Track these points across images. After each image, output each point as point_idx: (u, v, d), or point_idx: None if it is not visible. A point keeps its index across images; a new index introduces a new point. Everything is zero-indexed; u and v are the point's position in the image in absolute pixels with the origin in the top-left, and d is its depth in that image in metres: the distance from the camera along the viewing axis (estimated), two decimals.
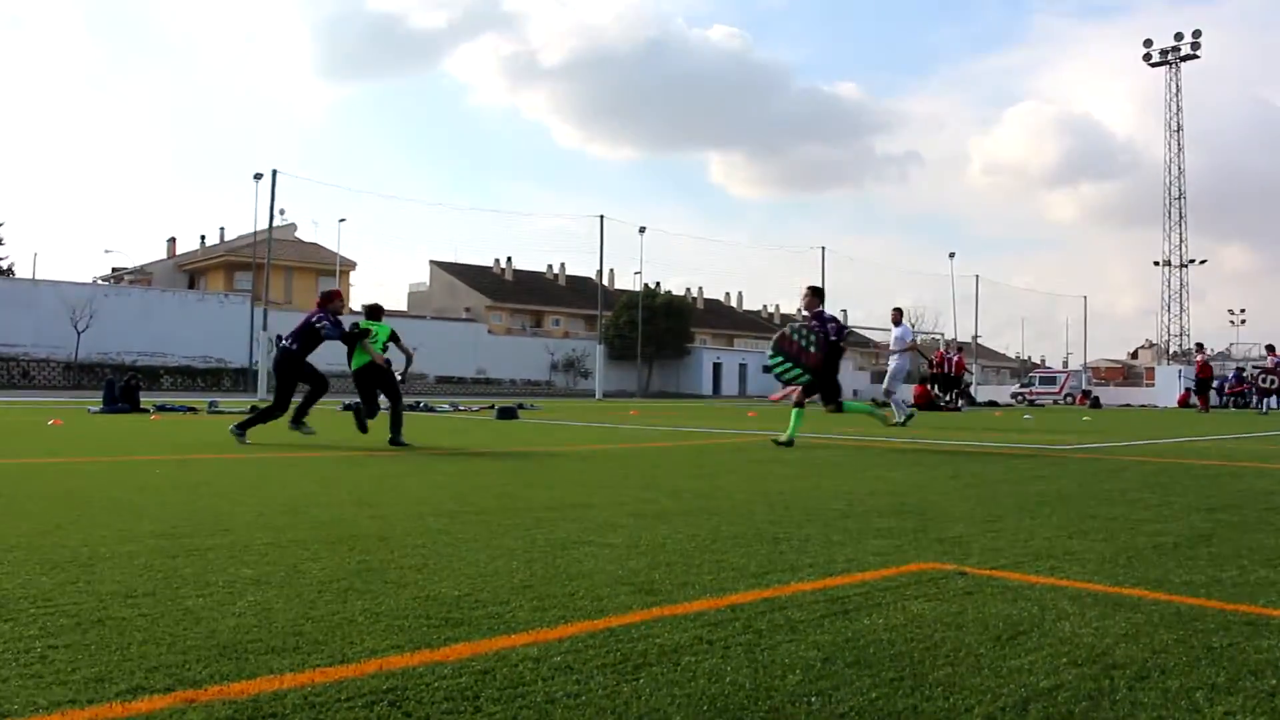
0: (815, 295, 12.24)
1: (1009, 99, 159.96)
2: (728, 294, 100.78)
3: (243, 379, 49.03)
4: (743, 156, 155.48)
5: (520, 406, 23.93)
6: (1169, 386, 50.41)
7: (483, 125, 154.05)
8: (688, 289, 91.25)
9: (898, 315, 19.92)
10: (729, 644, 2.76)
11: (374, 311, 12.25)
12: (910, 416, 17.67)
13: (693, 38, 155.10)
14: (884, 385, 19.14)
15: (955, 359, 35.06)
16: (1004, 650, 2.73)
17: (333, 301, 11.74)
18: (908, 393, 19.20)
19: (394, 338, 12.13)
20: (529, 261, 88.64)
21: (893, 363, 19.22)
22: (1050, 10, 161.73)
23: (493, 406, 22.65)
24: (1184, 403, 47.44)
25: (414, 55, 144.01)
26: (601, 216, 49.34)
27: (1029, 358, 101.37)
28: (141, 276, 68.79)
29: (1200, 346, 38.64)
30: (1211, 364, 38.12)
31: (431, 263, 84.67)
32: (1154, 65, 73.31)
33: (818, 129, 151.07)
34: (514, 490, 6.76)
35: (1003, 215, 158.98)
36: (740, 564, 3.96)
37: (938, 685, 2.42)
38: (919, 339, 54.67)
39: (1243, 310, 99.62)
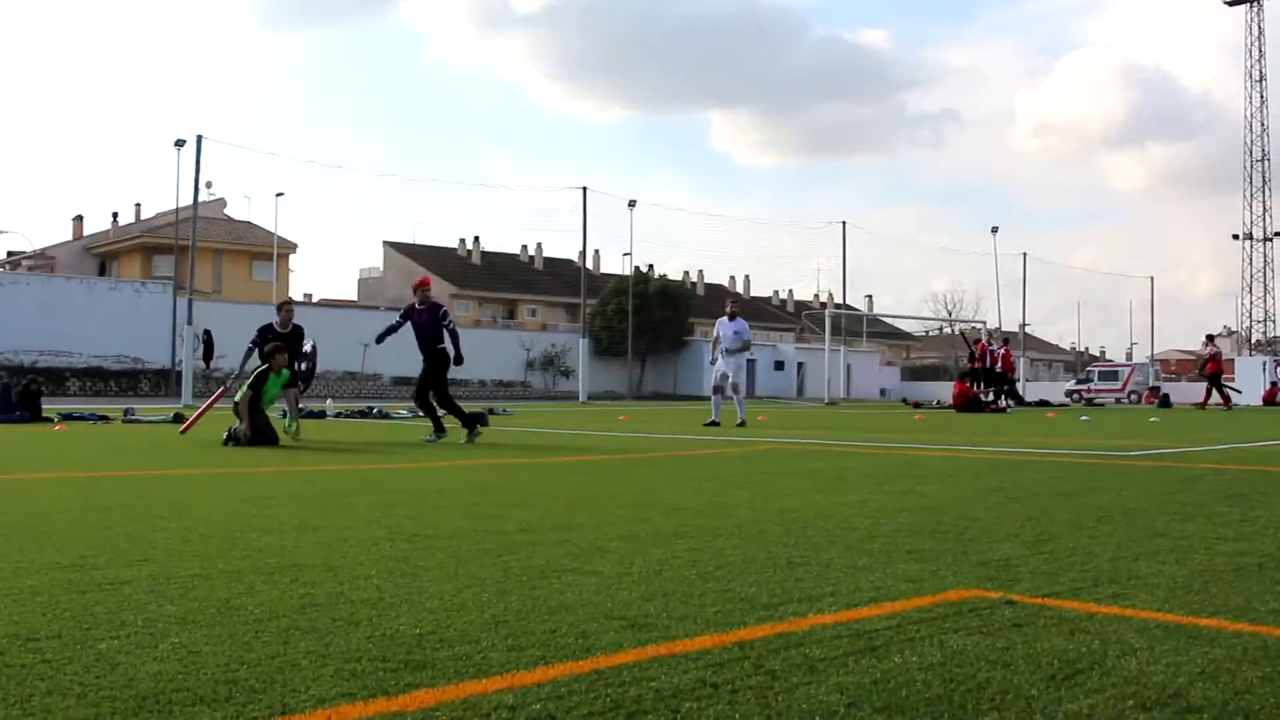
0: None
1: (1063, 47, 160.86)
2: (733, 278, 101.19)
3: (163, 381, 49.02)
4: (751, 117, 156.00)
5: (491, 412, 23.93)
6: (1252, 380, 50.47)
7: (446, 82, 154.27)
8: (686, 273, 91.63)
9: (735, 309, 21.49)
10: (736, 687, 2.76)
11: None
12: (714, 423, 19.64)
13: None
14: (732, 380, 20.61)
15: (1002, 351, 35.23)
16: (1059, 692, 2.74)
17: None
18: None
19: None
20: (500, 242, 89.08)
21: (732, 361, 20.77)
22: None
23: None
24: (1269, 399, 47.65)
25: (362, 2, 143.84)
26: (584, 188, 49.51)
27: (1086, 349, 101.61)
28: (43, 262, 68.77)
29: (1210, 338, 39.17)
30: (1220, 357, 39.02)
31: (385, 244, 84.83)
32: (1232, 4, 73.40)
33: (840, 84, 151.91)
34: (484, 510, 6.77)
35: (1056, 183, 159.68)
36: (749, 594, 3.96)
37: None
38: (958, 327, 54.85)
39: None
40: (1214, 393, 36.60)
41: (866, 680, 2.83)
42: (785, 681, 2.82)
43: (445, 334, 14.37)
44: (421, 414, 15.59)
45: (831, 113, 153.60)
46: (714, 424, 19.52)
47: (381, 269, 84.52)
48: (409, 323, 14.56)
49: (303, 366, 14.36)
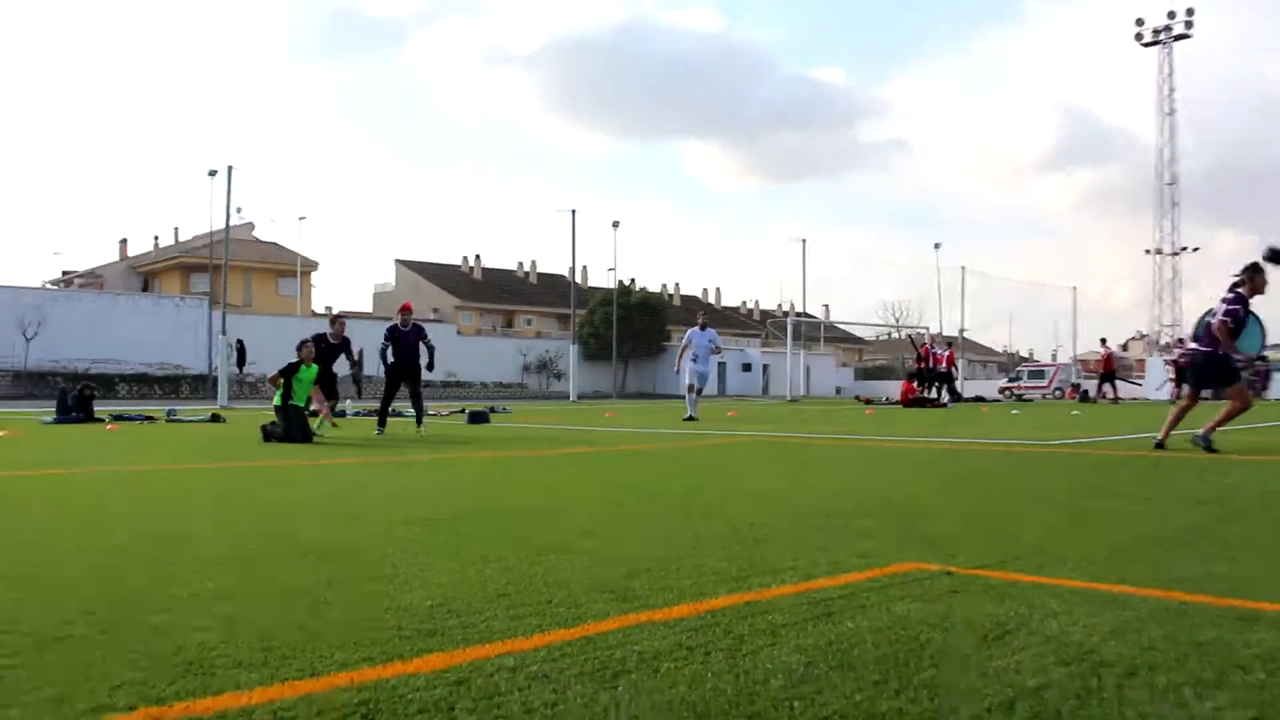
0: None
1: (1000, 83, 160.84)
2: (705, 289, 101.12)
3: (201, 385, 48.83)
4: (722, 145, 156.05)
5: (492, 410, 23.90)
6: (1159, 379, 50.71)
7: (453, 113, 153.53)
8: (664, 285, 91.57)
9: (704, 321, 22.22)
10: (709, 650, 2.79)
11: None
12: (691, 419, 19.83)
13: (669, 21, 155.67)
14: (695, 384, 20.87)
15: (946, 354, 35.36)
16: (990, 650, 2.78)
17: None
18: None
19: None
20: (499, 259, 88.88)
21: (704, 365, 21.12)
22: None
23: (463, 411, 22.60)
24: (1176, 397, 47.87)
25: (379, 43, 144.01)
26: (574, 211, 49.34)
27: (1017, 351, 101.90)
28: (93, 280, 68.37)
29: (1104, 341, 40.25)
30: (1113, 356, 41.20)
31: (397, 262, 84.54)
32: (1146, 45, 73.67)
33: (801, 116, 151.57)
34: (487, 496, 6.79)
35: (991, 203, 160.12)
36: (720, 568, 3.99)
37: (923, 687, 2.46)
38: (905, 333, 54.96)
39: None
40: (1112, 386, 38.23)
41: (822, 642, 2.86)
42: (751, 644, 2.85)
43: (424, 349, 15.05)
44: (398, 415, 15.95)
45: (794, 141, 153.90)
46: (692, 419, 19.57)
47: (393, 284, 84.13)
48: (395, 338, 15.00)
49: (351, 372, 14.83)
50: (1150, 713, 2.29)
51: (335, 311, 67.09)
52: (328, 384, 14.57)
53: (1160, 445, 10.46)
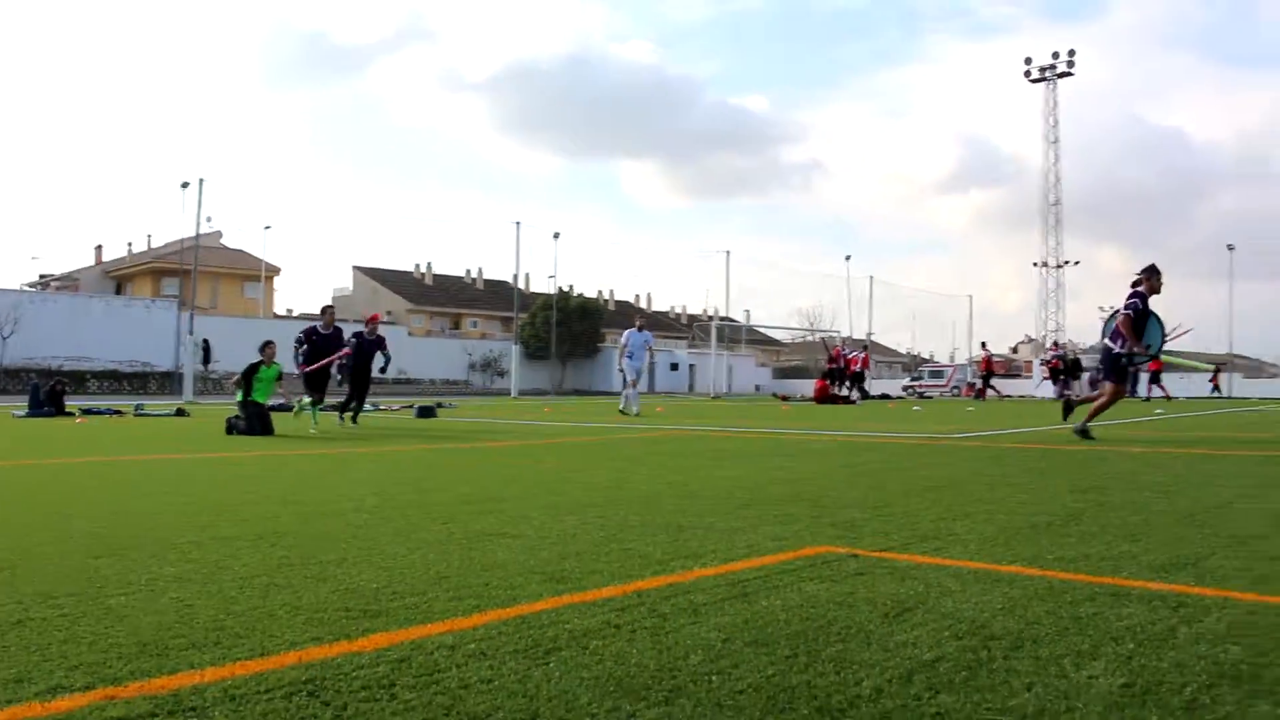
0: None
1: (907, 111, 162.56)
2: (638, 295, 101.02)
3: (169, 382, 47.83)
4: (655, 165, 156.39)
5: (439, 405, 23.67)
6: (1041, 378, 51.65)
7: (411, 132, 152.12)
8: (600, 291, 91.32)
9: (642, 323, 22.02)
10: (635, 628, 2.76)
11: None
12: (626, 412, 19.85)
13: (613, 53, 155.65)
14: (631, 377, 20.66)
15: (862, 356, 35.68)
16: (891, 626, 2.78)
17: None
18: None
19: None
20: (449, 266, 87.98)
21: (639, 363, 20.94)
22: (943, 30, 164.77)
23: (412, 405, 22.37)
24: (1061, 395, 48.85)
25: (344, 68, 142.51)
26: (518, 223, 49.26)
27: (919, 353, 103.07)
28: (69, 283, 66.76)
29: (984, 345, 41.74)
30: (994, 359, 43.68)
31: (354, 268, 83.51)
32: (1034, 81, 74.83)
33: (728, 139, 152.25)
34: (432, 485, 6.70)
35: (898, 220, 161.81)
36: (646, 552, 3.96)
37: (830, 661, 2.45)
38: (818, 336, 55.31)
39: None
40: (989, 386, 40.65)
41: (739, 620, 2.84)
42: (674, 622, 2.82)
43: (382, 355, 15.15)
44: (361, 410, 15.72)
45: (720, 162, 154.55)
46: (626, 413, 19.59)
47: (351, 288, 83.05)
48: (358, 343, 15.07)
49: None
50: (1034, 682, 2.30)
51: (297, 313, 66.26)
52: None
53: (1082, 431, 11.07)
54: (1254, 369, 64.09)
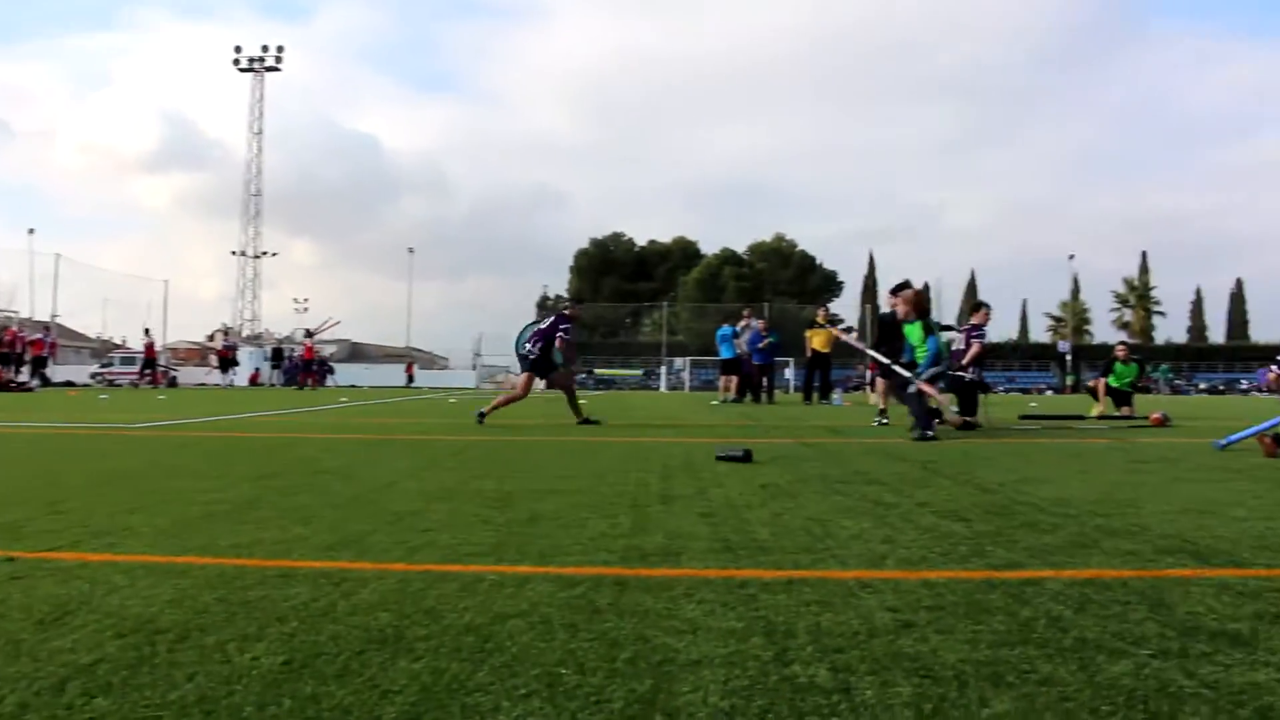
0: None
1: (106, 81, 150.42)
2: None
3: None
4: None
5: None
6: (243, 366, 51.60)
7: None
8: None
9: None
10: None
11: None
12: None
13: None
14: None
15: (39, 339, 32.23)
16: (47, 632, 2.56)
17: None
18: None
19: None
20: None
21: None
22: (155, 1, 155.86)
23: None
24: (254, 381, 49.26)
25: None
26: None
27: (111, 338, 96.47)
28: None
29: (147, 331, 43.19)
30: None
31: None
32: (243, 71, 74.17)
33: None
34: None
35: (94, 196, 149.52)
36: None
37: None
38: None
39: (306, 299, 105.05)
40: (154, 372, 41.57)
41: None
42: None
43: None
44: None
45: None
46: None
47: None
48: None
49: None
50: (197, 671, 2.28)
51: None
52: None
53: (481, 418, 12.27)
54: (428, 362, 70.51)
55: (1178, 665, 2.36)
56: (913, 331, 11.10)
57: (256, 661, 2.35)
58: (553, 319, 12.82)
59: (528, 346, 12.61)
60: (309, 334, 45.73)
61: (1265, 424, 8.97)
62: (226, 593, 3.01)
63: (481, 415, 12.38)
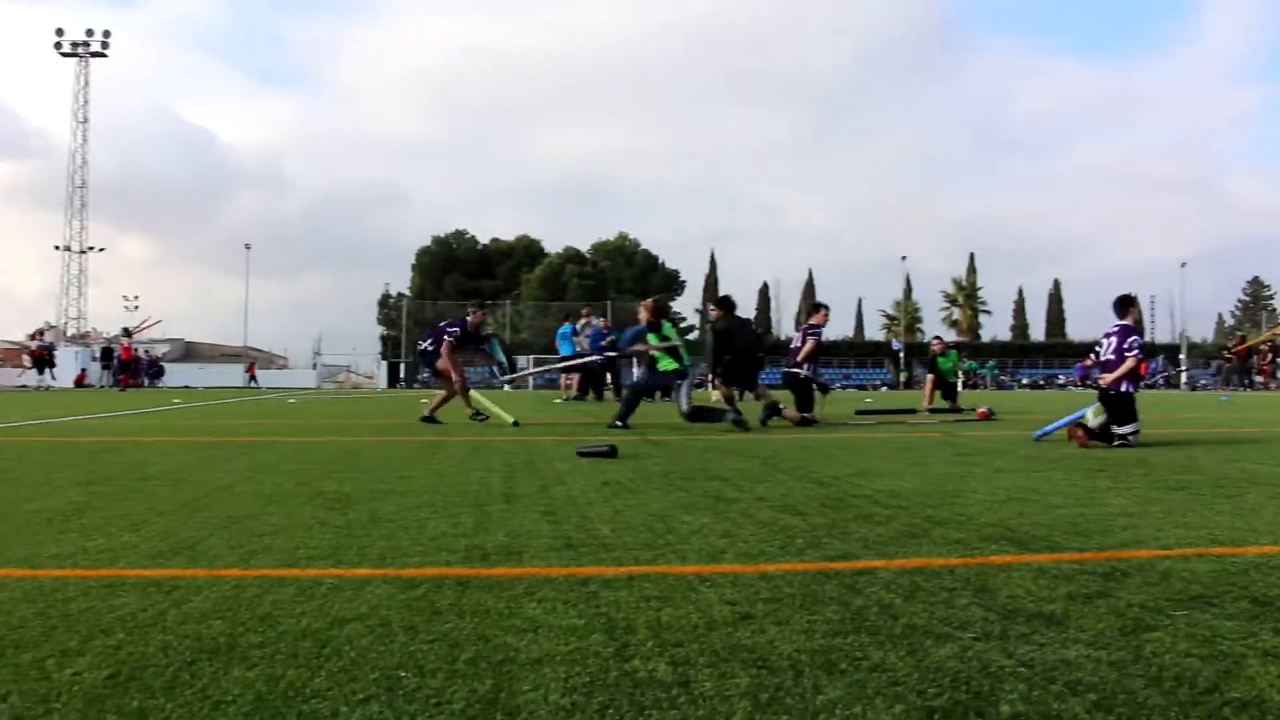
0: None
1: None
2: None
3: None
4: None
5: None
6: (68, 367, 48.90)
7: None
8: None
9: None
10: None
11: None
12: None
13: None
14: None
15: None
16: None
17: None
18: None
19: None
20: None
21: None
22: None
23: None
24: (80, 382, 46.79)
25: None
26: None
27: None
28: None
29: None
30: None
31: None
32: (65, 55, 69.99)
33: None
34: None
35: None
36: None
37: None
38: None
39: (137, 296, 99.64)
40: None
41: None
42: None
43: None
44: None
45: None
46: None
47: None
48: None
49: None
50: (12, 690, 2.17)
51: None
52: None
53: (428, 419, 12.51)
54: (266, 361, 68.19)
55: (999, 646, 2.50)
56: (654, 338, 12.08)
57: (78, 677, 2.24)
58: (449, 322, 13.25)
59: (426, 343, 13.07)
60: (127, 333, 43.82)
61: (1073, 415, 9.63)
62: (46, 605, 2.86)
63: (427, 418, 12.67)
